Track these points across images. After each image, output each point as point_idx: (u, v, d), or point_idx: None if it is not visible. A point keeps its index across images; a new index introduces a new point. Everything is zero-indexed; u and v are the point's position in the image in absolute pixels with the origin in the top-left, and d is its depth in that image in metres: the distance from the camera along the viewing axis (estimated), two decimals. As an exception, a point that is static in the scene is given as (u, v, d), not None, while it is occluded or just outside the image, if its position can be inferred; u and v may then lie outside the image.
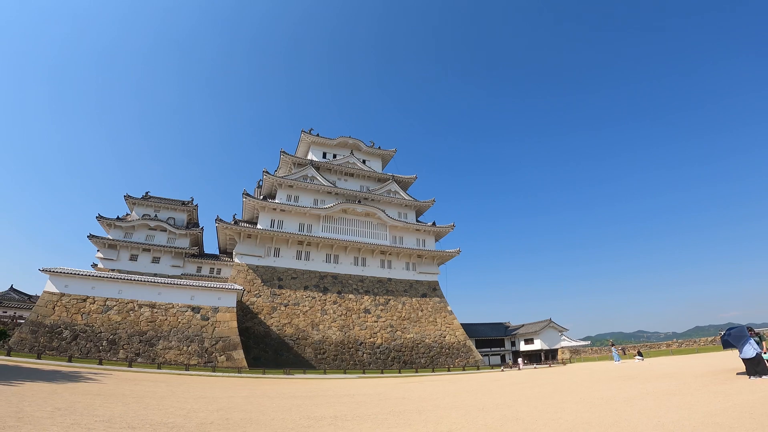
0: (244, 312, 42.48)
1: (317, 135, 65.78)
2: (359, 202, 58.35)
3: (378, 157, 68.83)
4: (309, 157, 63.59)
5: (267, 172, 55.53)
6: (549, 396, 14.42)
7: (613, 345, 59.11)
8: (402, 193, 62.29)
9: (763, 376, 12.66)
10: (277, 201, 54.80)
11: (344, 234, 55.33)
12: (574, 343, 67.92)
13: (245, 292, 44.27)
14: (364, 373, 40.38)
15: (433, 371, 45.41)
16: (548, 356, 65.82)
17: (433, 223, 60.43)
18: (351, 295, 52.35)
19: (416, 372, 43.40)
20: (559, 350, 65.97)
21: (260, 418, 10.15)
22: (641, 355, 44.68)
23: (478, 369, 49.84)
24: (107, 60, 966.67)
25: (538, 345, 65.41)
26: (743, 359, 13.53)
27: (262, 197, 56.51)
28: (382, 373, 41.34)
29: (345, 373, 39.08)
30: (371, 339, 49.98)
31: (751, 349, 13.02)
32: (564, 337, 67.41)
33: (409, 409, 12.20)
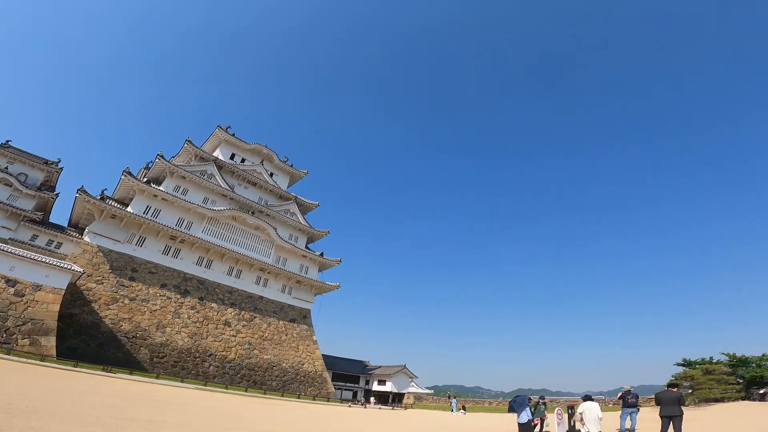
0: (74, 297, 37.31)
1: (233, 135, 63.98)
2: (253, 213, 57.48)
3: (287, 174, 69.38)
4: (216, 155, 61.15)
5: (162, 156, 51.73)
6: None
7: (450, 397, 65.90)
8: (300, 216, 63.28)
9: None
10: (161, 188, 50.96)
11: (227, 241, 53.42)
12: (420, 390, 73.68)
13: (85, 275, 39.21)
14: (205, 385, 38.26)
15: (282, 396, 45.02)
16: (395, 399, 69.96)
17: (321, 254, 62.12)
18: (214, 304, 49.82)
19: (264, 394, 42.60)
20: (406, 395, 70.78)
21: (55, 410, 9.44)
22: (464, 409, 51.04)
23: (327, 401, 50.75)
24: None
25: (389, 387, 69.35)
26: (518, 423, 15.31)
27: (145, 180, 51.98)
28: (226, 388, 39.68)
29: (182, 381, 36.58)
30: (224, 352, 47.66)
31: (525, 416, 14.98)
32: (413, 383, 72.86)
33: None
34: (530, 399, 18.58)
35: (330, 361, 63.68)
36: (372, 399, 64.50)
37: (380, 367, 72.62)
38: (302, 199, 66.11)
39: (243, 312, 52.06)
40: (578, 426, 16.71)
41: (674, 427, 12.38)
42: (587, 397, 17.14)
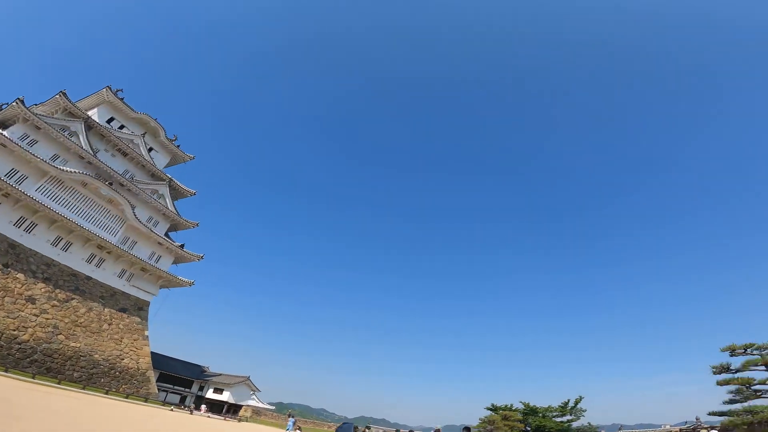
0: None
1: (122, 99, 58.50)
2: (111, 184, 52.46)
3: (170, 153, 64.93)
4: (90, 114, 55.06)
5: (21, 101, 45.05)
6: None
7: (290, 416, 65.35)
8: (168, 200, 59.29)
9: None
10: (4, 133, 44.10)
11: (67, 208, 47.77)
12: (261, 405, 71.92)
13: None
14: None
15: (82, 388, 40.55)
16: (231, 410, 67.24)
17: (182, 246, 58.64)
18: (21, 275, 43.62)
19: (59, 384, 38.13)
20: (244, 407, 68.49)
21: None
22: (300, 430, 51.27)
23: (145, 401, 47.20)
24: None
25: (226, 397, 66.52)
26: None
27: (-23, 117, 44.69)
28: (6, 371, 34.79)
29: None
30: (16, 332, 41.51)
31: None
32: (254, 396, 70.91)
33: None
34: (356, 428, 19.74)
35: (161, 360, 59.27)
36: (203, 406, 61.22)
37: (220, 375, 69.42)
38: (178, 183, 62.19)
39: (58, 291, 46.32)
40: None
41: None
42: None
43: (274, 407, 76.96)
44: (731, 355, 29.85)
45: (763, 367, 27.00)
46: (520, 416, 48.06)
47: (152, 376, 54.21)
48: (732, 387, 29.34)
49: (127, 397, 45.54)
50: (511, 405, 51.85)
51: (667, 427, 47.24)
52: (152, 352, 55.36)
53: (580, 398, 49.11)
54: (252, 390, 68.99)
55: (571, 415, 48.81)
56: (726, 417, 28.55)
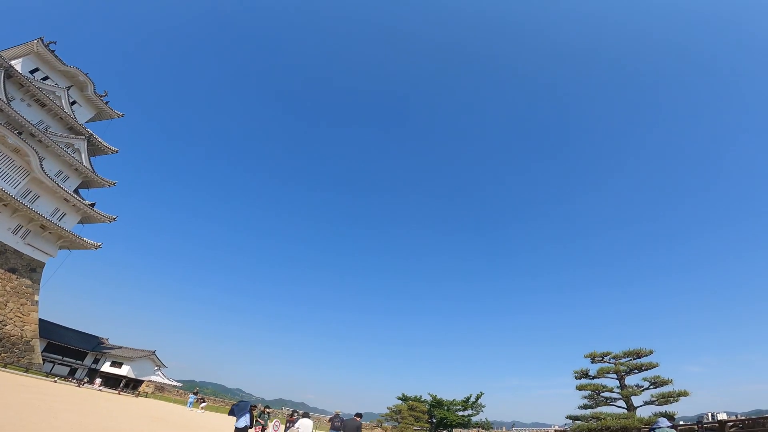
0: None
1: (53, 52, 52.81)
2: (19, 134, 46.82)
3: (95, 109, 59.19)
4: (13, 63, 48.61)
5: None
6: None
7: (196, 393, 63.85)
8: (85, 155, 54.20)
9: None
10: None
11: (-44, 149, 41.87)
12: (166, 381, 69.34)
13: None
14: None
15: None
16: (130, 385, 64.01)
17: (92, 204, 54.07)
18: None
19: None
20: (146, 382, 65.55)
21: None
22: (204, 402, 50.91)
23: (25, 371, 43.38)
24: None
25: (125, 371, 63.20)
26: (236, 427, 16.20)
27: None
28: None
29: None
30: None
31: (243, 421, 15.88)
32: (160, 372, 68.19)
33: None
34: (254, 406, 19.95)
35: (50, 328, 54.61)
36: (98, 380, 57.53)
37: (121, 348, 65.56)
38: (99, 138, 56.99)
39: (-70, 240, 40.78)
40: None
41: None
42: (306, 414, 19.15)
43: (181, 384, 74.50)
44: (592, 362, 30.59)
45: (614, 376, 28.08)
46: (426, 407, 48.74)
47: (37, 345, 49.85)
48: (586, 393, 29.49)
49: (5, 367, 41.79)
50: (420, 396, 52.08)
51: (555, 427, 52.32)
52: (41, 319, 50.82)
53: (481, 394, 51.44)
54: (157, 365, 66.13)
55: (472, 409, 50.76)
56: (577, 421, 31.68)
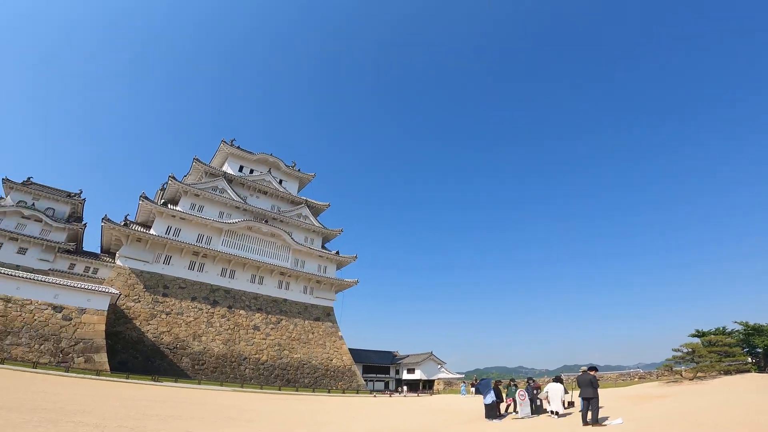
0: (117, 316, 40.21)
1: (238, 147, 66.32)
2: (266, 221, 59.77)
3: (296, 179, 71.50)
4: (224, 169, 63.56)
5: (174, 178, 54.39)
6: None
7: (476, 379, 67.01)
8: (312, 218, 65.39)
9: (494, 420, 16.93)
10: (178, 208, 53.62)
11: (245, 251, 55.85)
12: (450, 376, 75.06)
13: (123, 296, 42.07)
14: (242, 387, 40.71)
15: (313, 391, 47.23)
16: (425, 386, 71.63)
17: (337, 252, 64.13)
18: (242, 311, 52.39)
19: (296, 390, 44.88)
20: (436, 381, 72.33)
21: (96, 410, 12.07)
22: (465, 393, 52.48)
23: (357, 393, 52.79)
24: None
25: (418, 375, 71.04)
26: (484, 404, 17.27)
27: (162, 202, 54.75)
28: (261, 388, 42.07)
29: (221, 385, 39.06)
30: (257, 355, 50.18)
31: (489, 398, 17.06)
32: (443, 369, 74.30)
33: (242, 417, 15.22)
34: (499, 381, 20.33)
35: (358, 354, 65.82)
36: (404, 388, 66.39)
37: (408, 356, 74.43)
38: (313, 201, 68.20)
39: (270, 315, 54.53)
40: (545, 406, 17.62)
41: (591, 408, 13.25)
42: (557, 378, 18.54)
43: (463, 375, 79.87)
44: None
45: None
46: (731, 339, 37.45)
47: (357, 370, 60.56)
48: None
49: (343, 392, 51.39)
50: (724, 327, 42.82)
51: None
52: (350, 349, 61.79)
53: None
54: (438, 364, 72.60)
55: None
56: None
